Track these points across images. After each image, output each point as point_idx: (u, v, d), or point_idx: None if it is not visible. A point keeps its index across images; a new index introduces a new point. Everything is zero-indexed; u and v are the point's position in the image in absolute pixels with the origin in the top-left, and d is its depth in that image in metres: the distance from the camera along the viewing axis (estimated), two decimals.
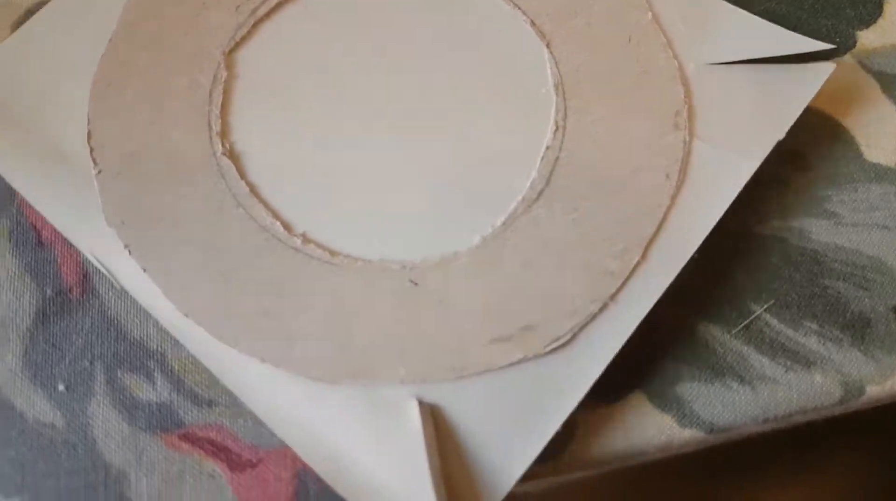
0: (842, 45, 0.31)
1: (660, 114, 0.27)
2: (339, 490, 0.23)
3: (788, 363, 0.27)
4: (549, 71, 0.28)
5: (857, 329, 0.27)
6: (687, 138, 0.27)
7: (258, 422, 0.25)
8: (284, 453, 0.25)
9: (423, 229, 0.27)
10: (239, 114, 0.28)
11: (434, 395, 0.24)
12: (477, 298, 0.25)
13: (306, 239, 0.26)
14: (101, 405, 0.25)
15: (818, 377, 0.27)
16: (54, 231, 0.27)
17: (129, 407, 0.25)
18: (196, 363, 0.26)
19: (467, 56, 0.29)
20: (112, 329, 0.26)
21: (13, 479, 0.24)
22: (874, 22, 0.31)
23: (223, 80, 0.28)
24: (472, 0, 0.30)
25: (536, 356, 0.25)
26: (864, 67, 0.30)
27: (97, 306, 0.27)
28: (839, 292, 0.27)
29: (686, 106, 0.28)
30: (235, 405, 0.25)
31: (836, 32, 0.31)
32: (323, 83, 0.29)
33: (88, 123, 0.28)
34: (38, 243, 0.27)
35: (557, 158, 0.27)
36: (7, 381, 0.26)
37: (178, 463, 0.25)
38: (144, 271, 0.26)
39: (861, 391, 0.26)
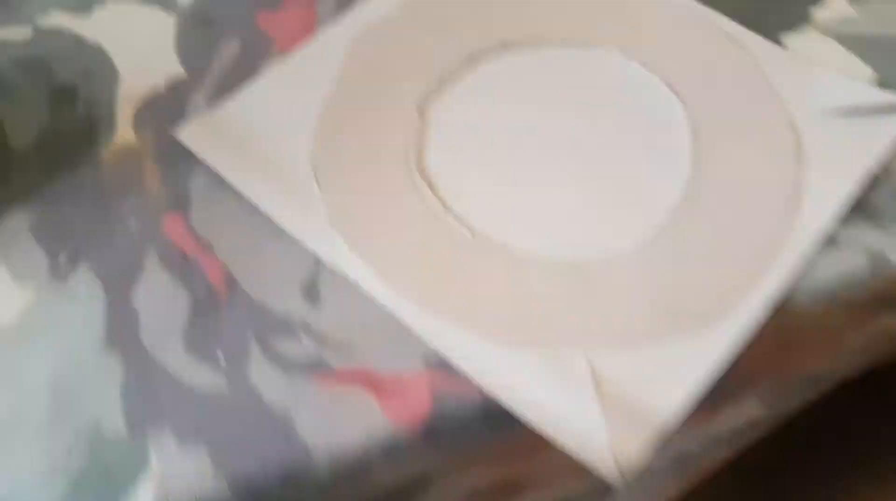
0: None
1: (776, 152, 0.34)
2: (534, 423, 0.28)
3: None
4: (685, 119, 0.36)
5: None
6: (799, 170, 0.33)
7: (395, 355, 0.30)
8: (419, 373, 0.30)
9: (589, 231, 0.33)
10: (431, 153, 0.36)
11: (602, 357, 0.29)
12: (637, 289, 0.31)
13: (488, 239, 0.33)
14: (259, 364, 0.30)
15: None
16: (196, 247, 0.33)
17: (284, 364, 0.30)
18: (334, 324, 0.31)
19: (619, 112, 0.36)
20: (258, 311, 0.31)
21: (190, 434, 0.29)
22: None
23: (418, 128, 0.36)
24: (618, 68, 0.38)
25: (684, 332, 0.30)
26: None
27: (244, 298, 0.32)
28: None
29: (796, 146, 0.34)
30: (371, 345, 0.30)
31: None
32: (496, 135, 0.36)
33: (313, 158, 0.35)
34: (183, 259, 0.33)
35: (696, 189, 0.34)
36: (171, 363, 0.30)
37: (332, 397, 0.29)
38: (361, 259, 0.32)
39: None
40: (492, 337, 0.30)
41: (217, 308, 0.32)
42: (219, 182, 0.34)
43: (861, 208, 0.33)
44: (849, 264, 0.32)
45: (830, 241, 0.32)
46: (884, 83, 0.36)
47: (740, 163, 0.34)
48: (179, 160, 0.35)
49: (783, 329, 0.32)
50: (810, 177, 0.33)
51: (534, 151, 0.35)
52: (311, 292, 0.32)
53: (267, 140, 0.35)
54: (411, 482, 0.30)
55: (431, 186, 0.34)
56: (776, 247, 0.32)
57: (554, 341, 0.30)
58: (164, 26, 0.40)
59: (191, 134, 0.36)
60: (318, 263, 0.32)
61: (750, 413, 0.40)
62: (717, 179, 0.34)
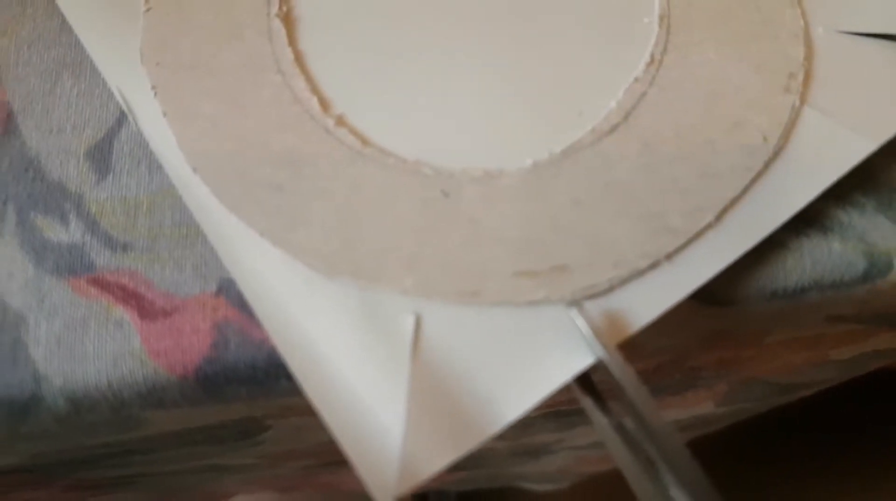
0: None
1: (772, 70, 0.24)
2: (305, 386, 0.20)
3: (800, 226, 0.22)
4: (657, 1, 0.25)
5: (884, 194, 0.23)
6: (797, 103, 0.23)
7: (177, 269, 0.22)
8: (203, 302, 0.22)
9: (471, 138, 0.23)
10: None
11: (437, 316, 0.21)
12: (512, 224, 0.22)
13: (340, 121, 0.24)
14: (9, 245, 0.23)
15: (836, 245, 0.22)
16: None
17: (38, 249, 0.23)
18: (114, 206, 0.23)
19: None
20: (30, 170, 0.24)
21: None
22: None
23: None
24: None
25: (562, 300, 0.21)
26: None
27: (18, 146, 0.24)
28: None
29: (804, 69, 0.24)
30: (152, 250, 0.23)
31: None
32: None
33: None
34: None
35: (644, 94, 0.24)
36: None
37: (82, 309, 0.22)
38: (164, 115, 0.23)
39: (889, 264, 0.22)
40: (301, 256, 0.22)
41: None
42: None
43: (870, 185, 0.23)
44: (838, 260, 0.22)
45: (819, 227, 0.22)
46: None
47: (716, 75, 0.24)
48: None
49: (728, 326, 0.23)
50: (811, 117, 0.23)
51: (443, 9, 0.25)
52: (100, 157, 0.24)
53: None
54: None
55: (290, 34, 0.25)
56: (732, 205, 0.22)
57: (380, 278, 0.21)
58: None
59: None
60: (120, 121, 0.24)
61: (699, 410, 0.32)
62: (675, 90, 0.24)
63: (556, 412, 0.32)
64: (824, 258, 0.22)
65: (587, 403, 0.21)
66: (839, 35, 0.24)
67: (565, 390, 0.21)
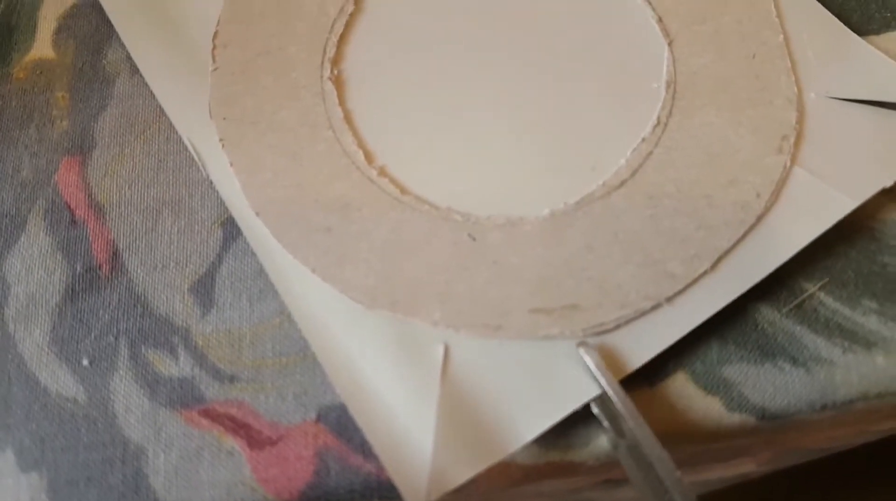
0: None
1: (767, 133, 0.26)
2: (348, 404, 0.23)
3: (846, 343, 0.24)
4: (665, 68, 0.28)
5: None
6: (788, 163, 0.26)
7: (280, 398, 0.25)
8: (306, 430, 0.24)
9: (496, 188, 0.27)
10: (356, 44, 0.29)
11: (464, 347, 0.24)
12: (531, 266, 0.25)
13: (382, 172, 0.27)
14: (124, 380, 0.25)
15: (880, 359, 0.24)
16: (87, 210, 0.28)
17: (151, 383, 0.25)
18: (220, 339, 0.26)
19: (589, 38, 0.29)
20: (138, 306, 0.26)
21: (32, 453, 0.24)
22: None
23: (349, 12, 0.30)
24: None
25: (573, 337, 0.24)
26: None
27: (125, 282, 0.26)
28: None
29: (796, 132, 0.26)
30: (256, 381, 0.25)
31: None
32: (443, 32, 0.29)
33: (217, 24, 0.29)
34: (71, 222, 0.27)
35: (651, 153, 0.27)
36: (33, 355, 0.26)
37: (196, 440, 0.24)
38: (231, 165, 0.27)
39: None
40: (347, 291, 0.25)
41: (95, 290, 0.26)
42: (128, 125, 0.29)
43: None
44: (882, 374, 0.24)
45: (864, 343, 0.25)
46: None
47: (715, 137, 0.27)
48: (94, 91, 0.30)
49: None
50: (801, 177, 0.26)
51: (475, 70, 0.29)
52: (203, 291, 0.26)
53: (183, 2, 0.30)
54: None
55: (341, 94, 0.28)
56: (727, 254, 0.25)
57: (415, 311, 0.25)
58: None
59: None
60: (220, 256, 0.27)
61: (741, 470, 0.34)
62: (679, 151, 0.27)
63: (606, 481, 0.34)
64: (870, 372, 0.24)
65: (604, 424, 0.24)
66: (829, 100, 0.27)
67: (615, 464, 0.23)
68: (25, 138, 0.29)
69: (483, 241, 0.26)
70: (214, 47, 0.29)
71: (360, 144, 0.27)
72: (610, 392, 0.23)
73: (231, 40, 0.29)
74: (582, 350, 0.24)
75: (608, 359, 0.24)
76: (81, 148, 0.29)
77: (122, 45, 0.30)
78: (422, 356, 0.24)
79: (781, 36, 0.28)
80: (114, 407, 0.25)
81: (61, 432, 0.25)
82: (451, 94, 0.28)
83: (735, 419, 0.24)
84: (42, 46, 0.31)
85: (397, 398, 0.23)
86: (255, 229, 0.26)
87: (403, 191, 0.27)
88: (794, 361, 0.24)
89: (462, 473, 0.22)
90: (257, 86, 0.28)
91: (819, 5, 0.29)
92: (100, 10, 0.31)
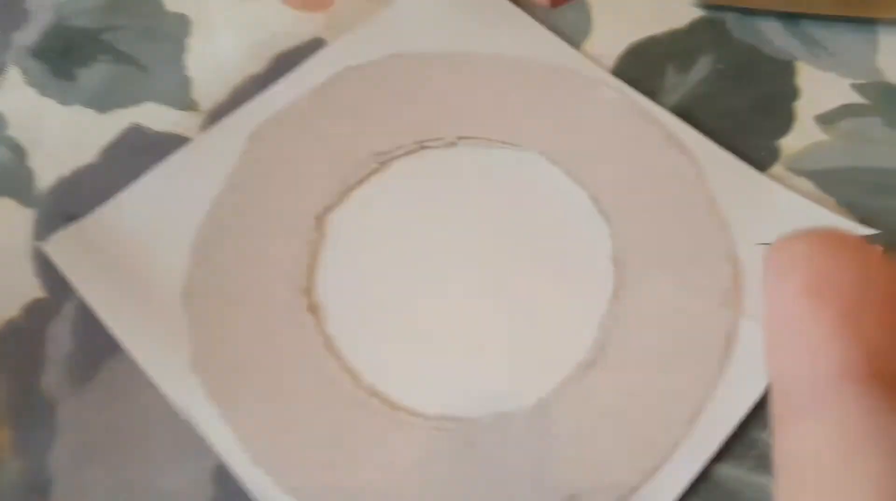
0: (769, 158, 0.33)
1: (711, 290, 0.29)
2: None
3: None
4: (609, 245, 0.31)
5: None
6: (734, 317, 0.29)
7: None
8: None
9: (482, 386, 0.29)
10: (325, 270, 0.31)
11: None
12: (528, 463, 0.27)
13: (371, 392, 0.29)
14: None
15: None
16: None
17: None
18: None
19: (535, 227, 0.31)
20: None
21: None
22: (791, 129, 0.33)
23: (313, 240, 0.31)
24: (541, 175, 0.32)
25: None
26: (793, 171, 0.32)
27: None
28: None
29: (735, 285, 0.29)
30: None
31: (763, 148, 0.33)
32: (401, 247, 0.32)
33: (187, 277, 0.31)
34: None
35: (612, 327, 0.29)
36: None
37: None
38: (220, 416, 0.28)
39: None
40: None
41: None
42: (88, 456, 0.28)
43: None
44: None
45: None
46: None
47: (666, 302, 0.29)
48: (40, 422, 0.29)
49: None
50: (747, 327, 0.29)
51: (438, 278, 0.31)
52: None
53: (142, 256, 0.31)
54: None
55: (319, 322, 0.30)
56: (697, 416, 0.27)
57: None
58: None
59: (58, 247, 0.32)
60: None
61: None
62: (635, 323, 0.29)
63: None
64: None
65: None
66: (759, 247, 0.30)
67: None
68: None
69: (478, 445, 0.28)
70: (186, 300, 0.30)
71: (346, 368, 0.29)
72: None
73: (201, 291, 0.31)
74: None
75: None
76: (33, 489, 0.28)
77: (56, 365, 0.30)
78: None
79: (707, 195, 0.31)
80: None
81: None
82: (423, 303, 0.30)
83: None
84: None
85: None
86: (255, 478, 0.27)
87: (394, 407, 0.28)
88: None
89: None
90: (236, 332, 0.30)
91: (735, 159, 0.32)
92: (23, 334, 0.31)
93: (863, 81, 0.35)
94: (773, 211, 0.30)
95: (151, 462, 0.29)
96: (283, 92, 0.34)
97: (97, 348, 0.30)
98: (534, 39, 0.36)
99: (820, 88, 0.35)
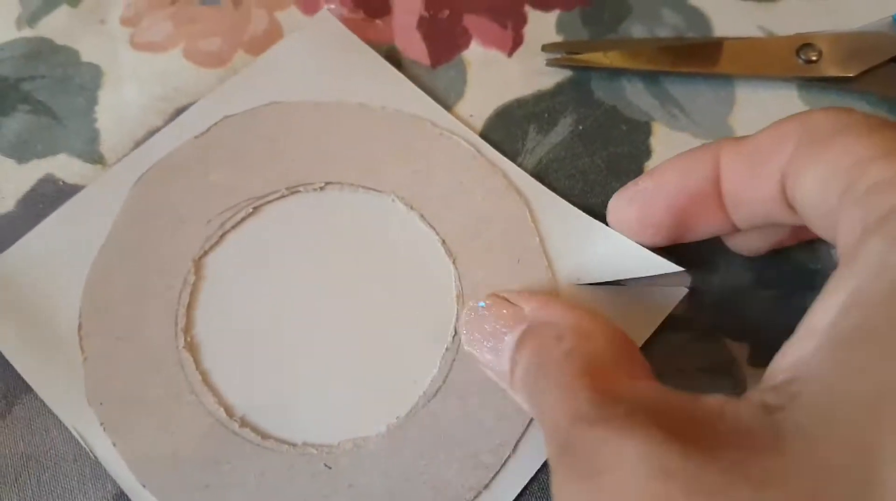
0: None
1: None
2: None
3: None
4: (453, 283, 0.34)
5: None
6: None
7: None
8: None
9: (341, 415, 0.33)
10: (202, 310, 0.35)
11: None
12: (381, 484, 0.31)
13: (243, 423, 0.32)
14: None
15: None
16: None
17: None
18: None
19: (392, 267, 0.35)
20: None
21: None
22: None
23: (192, 282, 0.35)
24: (398, 219, 0.36)
25: None
26: None
27: None
28: None
29: None
30: None
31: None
32: (271, 286, 0.35)
33: (80, 317, 0.34)
34: None
35: (454, 360, 0.33)
36: None
37: None
38: (114, 445, 0.32)
39: None
40: None
41: None
42: (2, 486, 0.31)
43: None
44: None
45: None
46: None
47: None
48: None
49: None
50: None
51: (303, 315, 0.35)
52: None
53: (41, 297, 0.35)
54: None
55: (197, 359, 0.34)
56: (523, 437, 0.31)
57: None
58: None
59: None
60: None
61: None
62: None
63: None
64: None
65: None
66: (580, 288, 0.34)
67: None
68: None
69: (337, 467, 0.31)
70: (81, 338, 0.34)
71: (221, 401, 0.33)
72: None
73: (94, 330, 0.34)
74: None
75: None
76: None
77: None
78: None
79: (537, 238, 0.35)
80: None
81: None
82: (289, 338, 0.34)
83: None
84: None
85: None
86: (146, 499, 0.31)
87: (264, 436, 0.32)
88: None
89: None
90: (124, 368, 0.33)
91: (564, 202, 0.36)
92: None
93: (712, 140, 0.37)
94: (595, 252, 0.34)
95: (60, 490, 0.32)
96: (167, 140, 0.38)
97: (11, 384, 0.34)
98: (399, 91, 0.39)
99: (672, 149, 0.36)
